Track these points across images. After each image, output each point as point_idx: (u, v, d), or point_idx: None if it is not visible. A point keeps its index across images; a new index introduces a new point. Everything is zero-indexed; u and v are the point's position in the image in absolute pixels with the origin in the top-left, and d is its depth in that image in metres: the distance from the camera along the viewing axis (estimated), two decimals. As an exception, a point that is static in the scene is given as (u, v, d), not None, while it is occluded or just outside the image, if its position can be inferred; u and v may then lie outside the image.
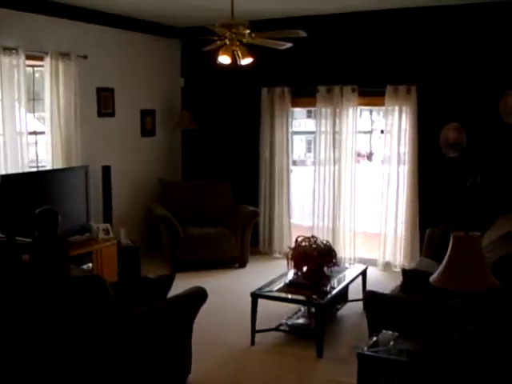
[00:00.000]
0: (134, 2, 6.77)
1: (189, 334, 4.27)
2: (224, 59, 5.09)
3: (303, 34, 5.04)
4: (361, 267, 6.16)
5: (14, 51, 6.20)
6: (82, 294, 3.46)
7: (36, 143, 7.06)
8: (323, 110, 7.72)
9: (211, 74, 8.15)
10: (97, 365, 3.44)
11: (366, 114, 14.63)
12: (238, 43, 5.02)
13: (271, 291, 5.28)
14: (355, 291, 5.93)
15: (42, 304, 2.25)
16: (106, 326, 3.50)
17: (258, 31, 5.16)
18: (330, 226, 7.81)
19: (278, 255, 8.01)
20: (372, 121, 15.11)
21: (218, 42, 5.15)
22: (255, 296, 5.19)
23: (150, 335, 3.86)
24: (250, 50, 5.27)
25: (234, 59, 5.21)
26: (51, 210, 2.23)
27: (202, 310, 4.29)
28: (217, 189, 8.22)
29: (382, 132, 7.72)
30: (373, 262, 7.42)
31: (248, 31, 5.00)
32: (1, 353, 2.68)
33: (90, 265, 6.51)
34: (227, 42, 5.02)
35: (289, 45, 5.47)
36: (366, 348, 3.49)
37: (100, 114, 7.57)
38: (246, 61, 5.22)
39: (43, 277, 2.19)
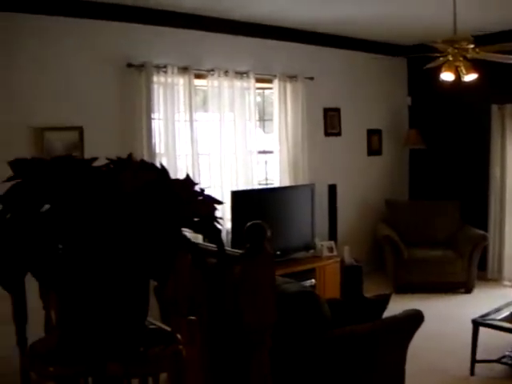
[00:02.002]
0: (359, 24, 6.88)
1: (403, 358, 4.17)
2: (447, 76, 4.97)
3: (532, 46, 4.77)
4: None
5: (245, 75, 6.61)
6: (295, 309, 3.55)
7: (266, 162, 7.42)
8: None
9: (438, 92, 7.92)
10: (302, 380, 3.49)
11: None
12: (461, 59, 4.87)
13: (494, 320, 4.99)
14: None
15: (248, 315, 2.35)
16: (317, 343, 3.54)
17: (482, 45, 4.96)
18: None
19: (507, 283, 7.53)
20: None
21: (441, 59, 5.04)
22: (476, 324, 4.93)
23: (361, 355, 3.83)
24: (476, 65, 5.08)
25: (459, 76, 5.06)
26: (260, 225, 2.33)
27: (421, 333, 4.13)
28: (445, 209, 7.97)
29: None
30: None
31: (472, 46, 4.83)
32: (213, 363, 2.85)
33: (313, 281, 6.65)
34: (450, 58, 4.89)
35: (518, 58, 5.19)
36: None
37: (326, 134, 7.75)
38: (471, 77, 5.05)
39: (250, 288, 2.30)
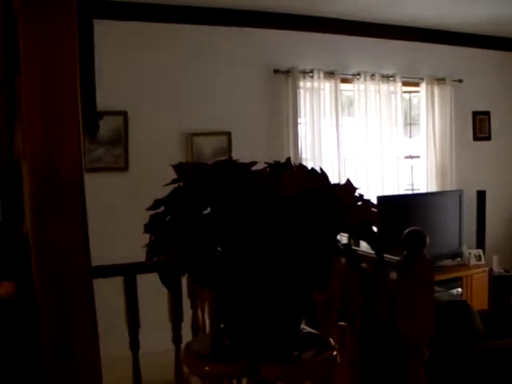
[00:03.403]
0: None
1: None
2: None
3: None
4: None
5: (391, 78, 6.51)
6: (447, 319, 3.43)
7: (412, 167, 7.26)
8: None
9: None
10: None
11: None
12: None
13: None
14: None
15: (405, 325, 2.30)
16: (470, 355, 3.41)
17: None
18: None
19: None
20: None
21: None
22: None
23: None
24: None
25: None
26: (419, 232, 2.27)
27: None
28: None
29: None
30: None
31: None
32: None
33: (460, 290, 6.44)
34: None
35: None
36: None
37: (475, 138, 7.47)
38: None
39: (408, 297, 2.24)
